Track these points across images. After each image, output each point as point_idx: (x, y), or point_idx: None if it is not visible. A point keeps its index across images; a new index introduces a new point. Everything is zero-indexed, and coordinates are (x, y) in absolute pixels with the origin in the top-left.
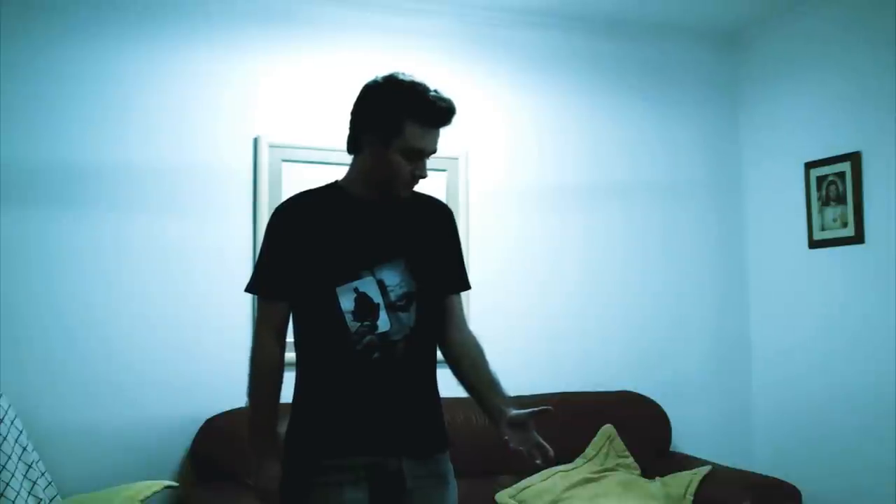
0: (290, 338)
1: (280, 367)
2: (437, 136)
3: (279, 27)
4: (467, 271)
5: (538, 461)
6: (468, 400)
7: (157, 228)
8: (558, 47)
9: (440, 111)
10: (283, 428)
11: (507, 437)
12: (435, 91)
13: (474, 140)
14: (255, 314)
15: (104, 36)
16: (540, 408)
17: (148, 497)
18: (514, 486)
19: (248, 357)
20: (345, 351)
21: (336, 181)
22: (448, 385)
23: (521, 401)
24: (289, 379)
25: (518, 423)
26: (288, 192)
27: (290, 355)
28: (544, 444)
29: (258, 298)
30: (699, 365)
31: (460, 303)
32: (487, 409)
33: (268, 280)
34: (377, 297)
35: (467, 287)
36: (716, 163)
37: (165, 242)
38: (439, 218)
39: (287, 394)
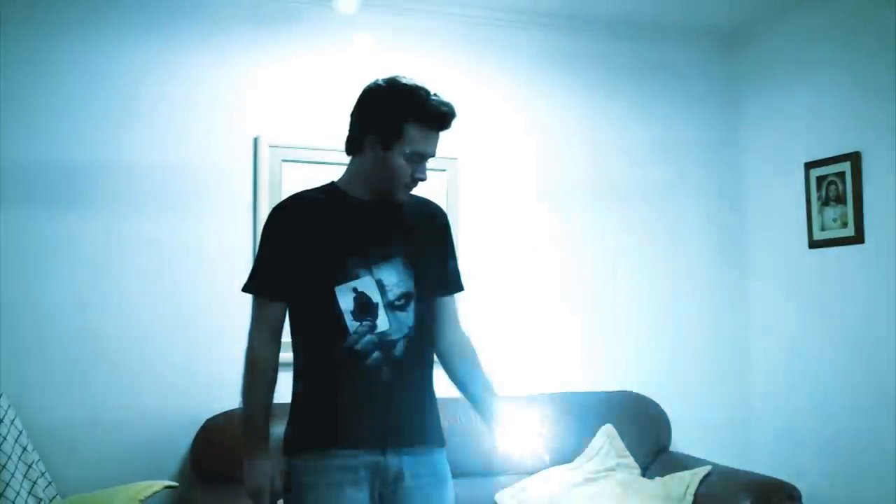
0: (285, 338)
1: (275, 367)
2: (437, 139)
3: (279, 27)
4: (461, 273)
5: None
6: None
7: (156, 228)
8: (558, 47)
9: (441, 115)
10: (277, 428)
11: (499, 438)
12: (435, 95)
13: (474, 140)
14: (253, 314)
15: (104, 36)
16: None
17: (148, 497)
18: (514, 486)
19: (242, 357)
20: (345, 350)
21: (333, 182)
22: (448, 385)
23: (519, 400)
24: (283, 379)
25: (510, 423)
26: (288, 192)
27: (285, 355)
28: (539, 446)
29: (254, 299)
30: (699, 365)
31: (455, 304)
32: (480, 410)
33: (265, 281)
34: (376, 297)
35: (461, 289)
36: (716, 163)
37: (165, 242)
38: (435, 220)
39: (282, 394)
